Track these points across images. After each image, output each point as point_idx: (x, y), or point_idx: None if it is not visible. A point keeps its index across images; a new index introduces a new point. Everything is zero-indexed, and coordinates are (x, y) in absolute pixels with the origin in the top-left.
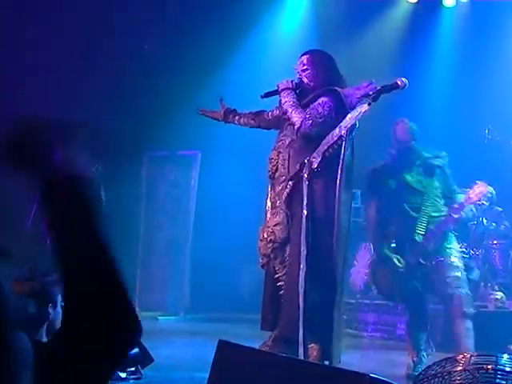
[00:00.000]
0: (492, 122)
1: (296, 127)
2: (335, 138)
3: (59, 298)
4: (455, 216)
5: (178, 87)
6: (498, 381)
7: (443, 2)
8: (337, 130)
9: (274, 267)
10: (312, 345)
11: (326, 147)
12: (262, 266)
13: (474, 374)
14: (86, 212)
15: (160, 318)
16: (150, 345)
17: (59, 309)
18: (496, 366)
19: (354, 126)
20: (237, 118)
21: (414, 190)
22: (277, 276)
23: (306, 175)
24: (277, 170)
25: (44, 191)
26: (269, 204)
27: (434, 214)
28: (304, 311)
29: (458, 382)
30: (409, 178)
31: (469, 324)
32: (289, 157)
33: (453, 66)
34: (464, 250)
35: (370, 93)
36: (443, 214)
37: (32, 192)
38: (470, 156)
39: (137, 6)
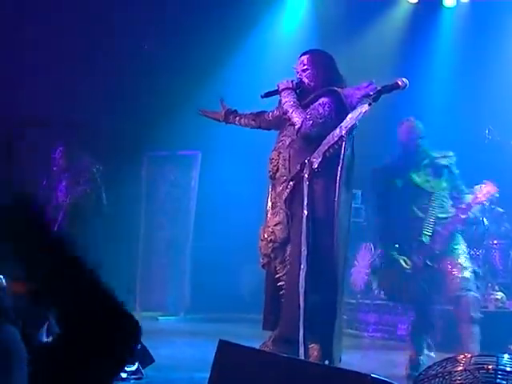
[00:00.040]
0: (492, 122)
1: (296, 127)
2: (336, 138)
3: None
4: (462, 216)
5: (178, 87)
6: (498, 381)
7: (443, 3)
8: (337, 130)
9: (275, 267)
10: (312, 345)
11: (326, 147)
12: (263, 266)
13: (474, 374)
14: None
15: (160, 318)
16: (151, 345)
17: None
18: (496, 366)
19: (354, 125)
20: (237, 118)
21: (422, 190)
22: (277, 276)
23: (306, 175)
24: (277, 170)
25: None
26: (269, 204)
27: (441, 216)
28: (304, 311)
29: (458, 382)
30: (416, 177)
31: (475, 329)
32: (289, 157)
33: (453, 66)
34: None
35: (371, 93)
36: (450, 215)
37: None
38: (471, 156)
39: (137, 5)
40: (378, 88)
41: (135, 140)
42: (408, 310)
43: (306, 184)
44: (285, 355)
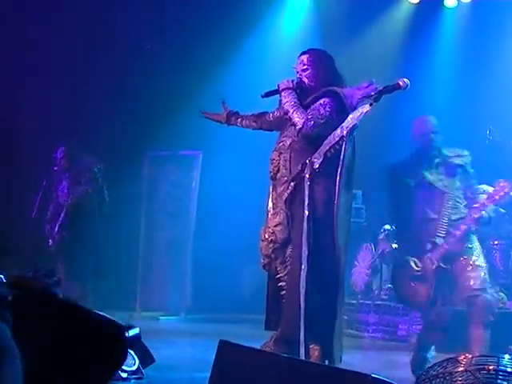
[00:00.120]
0: (493, 122)
1: (298, 128)
2: (337, 139)
3: None
4: (475, 216)
5: (179, 87)
6: (499, 381)
7: (444, 3)
8: (338, 130)
9: (276, 268)
10: (313, 345)
11: (327, 147)
12: (264, 267)
13: (475, 374)
14: None
15: (161, 318)
16: (151, 345)
17: None
18: (497, 366)
19: (354, 126)
20: (239, 120)
21: (435, 189)
22: (278, 276)
23: (307, 175)
24: (278, 170)
25: None
26: (270, 205)
27: (454, 217)
28: (305, 311)
29: (459, 382)
30: (429, 176)
31: (485, 333)
32: (290, 158)
33: (454, 66)
34: None
35: (372, 93)
36: (463, 215)
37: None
38: (471, 156)
39: (137, 5)
40: (379, 88)
41: (136, 140)
42: (409, 311)
43: (306, 184)
44: (285, 355)
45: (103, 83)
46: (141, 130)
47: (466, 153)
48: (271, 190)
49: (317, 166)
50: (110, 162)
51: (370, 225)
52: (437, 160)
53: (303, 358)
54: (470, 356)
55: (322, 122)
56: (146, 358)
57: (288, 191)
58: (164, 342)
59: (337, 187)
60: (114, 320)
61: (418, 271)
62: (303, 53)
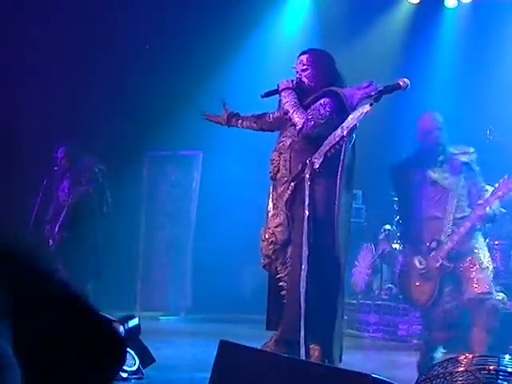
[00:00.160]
0: (494, 122)
1: (298, 128)
2: (337, 139)
3: None
4: (479, 212)
5: (179, 87)
6: (499, 381)
7: (445, 3)
8: (339, 130)
9: (276, 268)
10: (313, 345)
11: (327, 147)
12: (264, 267)
13: (475, 374)
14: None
15: (161, 318)
16: (151, 345)
17: None
18: (498, 366)
19: (354, 126)
20: (239, 121)
21: (439, 187)
22: (278, 276)
23: (307, 176)
24: (278, 171)
25: None
26: (270, 205)
27: (458, 215)
28: (305, 312)
29: (459, 382)
30: (433, 174)
31: (487, 338)
32: (290, 158)
33: (454, 66)
34: None
35: (372, 93)
36: (467, 214)
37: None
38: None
39: (137, 5)
40: (380, 88)
41: (136, 140)
42: (409, 311)
43: (307, 184)
44: (285, 355)
45: (103, 83)
46: (141, 130)
47: (471, 150)
48: (271, 190)
49: (317, 166)
50: (110, 162)
51: (370, 225)
52: (441, 157)
53: (303, 358)
54: (470, 356)
55: (322, 122)
56: (147, 358)
57: (288, 192)
58: (164, 342)
59: (337, 187)
60: (112, 320)
61: (422, 269)
62: (303, 53)
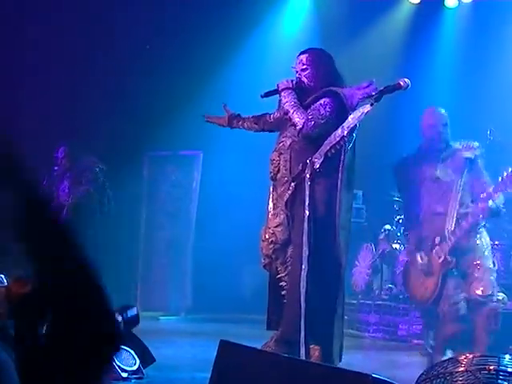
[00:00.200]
0: (494, 122)
1: (298, 128)
2: (338, 139)
3: None
4: (481, 206)
5: (179, 87)
6: (499, 381)
7: (445, 3)
8: (339, 130)
9: (276, 268)
10: (313, 345)
11: (328, 147)
12: (264, 267)
13: (476, 374)
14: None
15: (161, 318)
16: (152, 345)
17: None
18: (498, 366)
19: (355, 126)
20: (241, 122)
21: (442, 183)
22: (279, 276)
23: (308, 176)
24: (278, 171)
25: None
26: (271, 205)
27: (461, 211)
28: (305, 312)
29: (460, 382)
30: (436, 170)
31: (488, 339)
32: (290, 158)
33: (455, 66)
34: None
35: (373, 93)
36: (470, 210)
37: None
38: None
39: (137, 6)
40: (380, 88)
41: (136, 140)
42: (410, 311)
43: (307, 184)
44: (286, 355)
45: (103, 83)
46: (141, 130)
47: (476, 145)
48: (272, 190)
49: (317, 165)
50: (110, 162)
51: (370, 225)
52: (444, 153)
53: (304, 358)
54: (470, 356)
55: (322, 122)
56: (147, 358)
57: (289, 192)
58: (164, 342)
59: (338, 187)
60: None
61: (423, 264)
62: (302, 52)
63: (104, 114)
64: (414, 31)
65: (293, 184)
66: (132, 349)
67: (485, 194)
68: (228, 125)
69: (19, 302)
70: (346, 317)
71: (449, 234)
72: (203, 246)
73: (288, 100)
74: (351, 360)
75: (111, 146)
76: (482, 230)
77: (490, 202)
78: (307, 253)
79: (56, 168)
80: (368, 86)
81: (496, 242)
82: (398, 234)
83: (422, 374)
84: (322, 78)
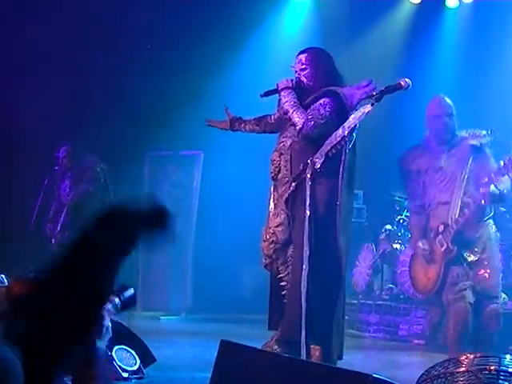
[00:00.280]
0: (495, 122)
1: (298, 128)
2: (338, 139)
3: None
4: (482, 191)
5: (180, 87)
6: (500, 382)
7: (446, 3)
8: (340, 130)
9: (277, 268)
10: (314, 345)
11: (329, 147)
12: (265, 267)
13: (476, 374)
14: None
15: (162, 317)
16: (152, 344)
17: None
18: (499, 366)
19: (355, 126)
20: (242, 125)
21: (447, 172)
22: (280, 276)
23: (308, 176)
24: (279, 171)
25: None
26: (272, 205)
27: (466, 199)
28: (306, 312)
29: (460, 382)
30: (441, 160)
31: (489, 340)
32: (291, 158)
33: (456, 66)
34: None
35: (374, 93)
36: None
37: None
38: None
39: (137, 6)
40: (381, 88)
41: (137, 140)
42: (410, 311)
43: (308, 184)
44: (286, 355)
45: (103, 83)
46: (142, 130)
47: (483, 133)
48: (272, 190)
49: (318, 166)
50: (111, 162)
51: (371, 225)
52: (451, 142)
53: (304, 358)
54: (471, 356)
55: (322, 122)
56: (147, 358)
57: (289, 192)
58: (165, 342)
59: (339, 187)
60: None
61: (425, 251)
62: (301, 52)
63: (105, 114)
64: (414, 31)
65: (293, 184)
66: (133, 349)
67: (486, 179)
68: (230, 128)
69: (21, 302)
70: (346, 317)
71: (452, 223)
72: (204, 245)
73: (288, 100)
74: (352, 360)
75: (112, 145)
76: (490, 221)
77: (492, 187)
78: (308, 253)
79: (57, 168)
80: (367, 85)
81: None
82: (399, 234)
83: (423, 374)
84: (321, 77)
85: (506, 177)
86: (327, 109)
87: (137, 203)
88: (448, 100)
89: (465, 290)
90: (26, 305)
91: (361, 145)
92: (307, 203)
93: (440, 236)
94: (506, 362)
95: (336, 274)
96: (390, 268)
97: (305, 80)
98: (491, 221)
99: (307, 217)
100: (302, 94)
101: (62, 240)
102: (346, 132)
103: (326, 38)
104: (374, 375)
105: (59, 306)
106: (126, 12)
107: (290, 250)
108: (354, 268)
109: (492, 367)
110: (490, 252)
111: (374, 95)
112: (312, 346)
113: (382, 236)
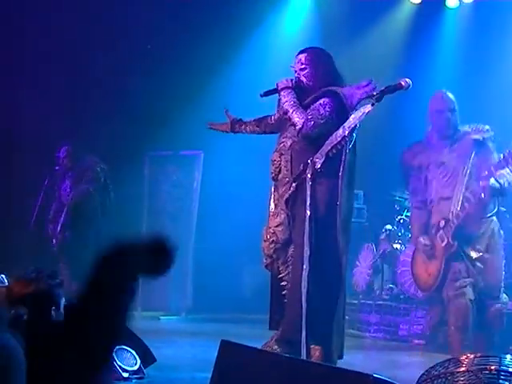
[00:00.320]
0: (495, 122)
1: (298, 128)
2: (339, 139)
3: (62, 301)
4: (482, 184)
5: (180, 87)
6: (501, 381)
7: (446, 3)
8: (340, 130)
9: (278, 267)
10: (314, 345)
11: (329, 147)
12: (266, 267)
13: (477, 374)
14: None
15: (162, 317)
16: (152, 344)
17: (62, 311)
18: (499, 366)
19: (355, 126)
20: (243, 127)
21: (449, 167)
22: (280, 276)
23: (309, 176)
24: (280, 171)
25: None
26: (272, 206)
27: (467, 194)
28: (306, 312)
29: (461, 382)
30: (442, 155)
31: (491, 340)
32: (291, 158)
33: (456, 66)
34: None
35: (374, 93)
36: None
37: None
38: None
39: (137, 6)
40: (382, 88)
41: (137, 140)
42: (411, 311)
43: (308, 184)
44: (286, 355)
45: (103, 83)
46: (141, 130)
47: (486, 128)
48: (273, 190)
49: (319, 166)
50: (111, 162)
51: (371, 225)
52: (453, 137)
53: (304, 358)
54: (471, 356)
55: (321, 122)
56: (147, 358)
57: (290, 192)
58: (165, 342)
59: (339, 187)
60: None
61: (426, 246)
62: (301, 51)
63: (105, 114)
64: (414, 31)
65: (294, 184)
66: (133, 349)
67: (486, 172)
68: (231, 130)
69: (21, 301)
70: (346, 317)
71: (453, 217)
72: (204, 245)
73: (287, 99)
74: (352, 360)
75: (112, 145)
76: (494, 218)
77: (492, 181)
78: (308, 253)
79: (57, 168)
80: (367, 85)
81: None
82: (399, 234)
83: (423, 374)
84: (321, 77)
85: (507, 169)
86: (327, 109)
87: (137, 238)
88: (450, 95)
89: (465, 286)
90: (43, 343)
91: (361, 145)
92: (307, 203)
93: (441, 231)
94: (506, 362)
95: (336, 273)
96: (391, 268)
97: (304, 80)
98: (495, 218)
99: (307, 217)
100: (302, 93)
101: (62, 240)
102: (347, 132)
103: (325, 37)
104: (375, 375)
105: (72, 346)
106: (126, 12)
107: (291, 250)
108: (354, 268)
109: (492, 367)
110: (493, 250)
111: (374, 95)
112: (312, 346)
113: (383, 236)
